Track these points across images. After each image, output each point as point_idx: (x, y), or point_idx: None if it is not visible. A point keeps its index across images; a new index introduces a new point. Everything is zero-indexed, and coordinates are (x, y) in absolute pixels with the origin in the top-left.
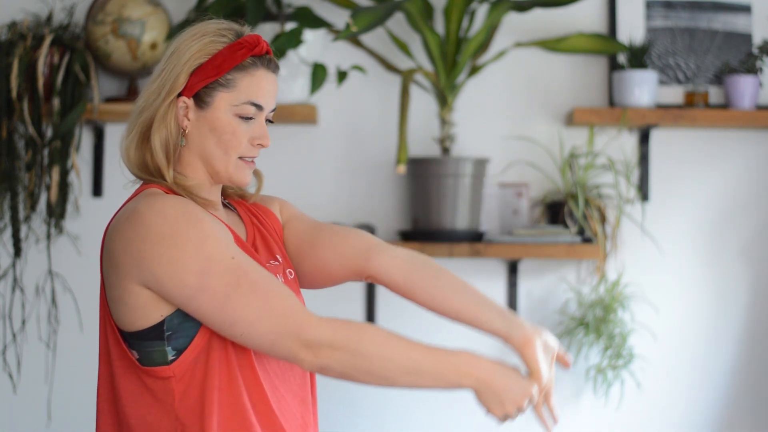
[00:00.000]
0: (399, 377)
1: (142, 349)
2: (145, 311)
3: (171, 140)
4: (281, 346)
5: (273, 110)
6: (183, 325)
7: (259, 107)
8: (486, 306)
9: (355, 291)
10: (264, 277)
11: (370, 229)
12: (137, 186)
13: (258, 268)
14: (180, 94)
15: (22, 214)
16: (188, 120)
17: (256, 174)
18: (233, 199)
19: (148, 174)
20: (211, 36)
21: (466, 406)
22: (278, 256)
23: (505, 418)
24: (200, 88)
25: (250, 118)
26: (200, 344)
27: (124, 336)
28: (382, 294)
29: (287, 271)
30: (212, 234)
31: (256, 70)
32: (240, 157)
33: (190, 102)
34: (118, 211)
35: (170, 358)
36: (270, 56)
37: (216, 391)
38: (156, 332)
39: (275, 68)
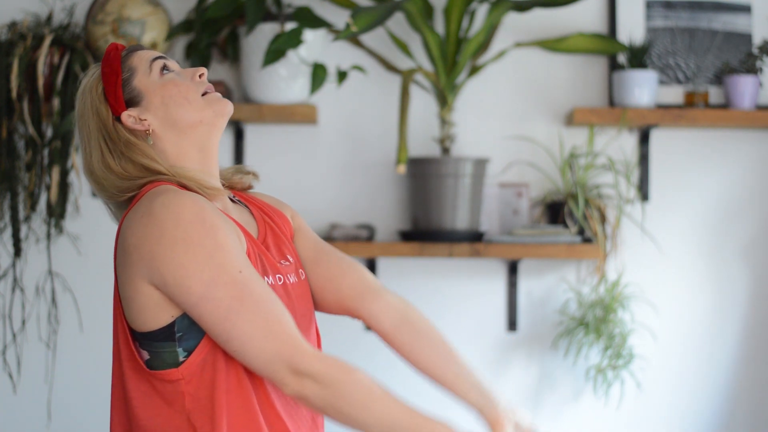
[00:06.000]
0: (372, 429)
1: (153, 349)
2: (155, 311)
3: (147, 151)
4: (271, 368)
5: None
6: (193, 326)
7: (160, 58)
8: (464, 377)
9: None
10: (268, 297)
11: (371, 229)
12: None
13: (263, 286)
14: (118, 118)
15: (22, 214)
16: (143, 120)
17: (248, 171)
18: (241, 194)
19: (149, 174)
20: (88, 77)
21: None
22: (289, 257)
23: None
24: (121, 95)
25: (170, 71)
26: (208, 345)
27: (135, 336)
28: None
29: (299, 271)
30: (224, 244)
31: (134, 53)
32: (202, 96)
33: (131, 110)
34: (130, 207)
35: (181, 359)
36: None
37: (225, 393)
38: (167, 333)
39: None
